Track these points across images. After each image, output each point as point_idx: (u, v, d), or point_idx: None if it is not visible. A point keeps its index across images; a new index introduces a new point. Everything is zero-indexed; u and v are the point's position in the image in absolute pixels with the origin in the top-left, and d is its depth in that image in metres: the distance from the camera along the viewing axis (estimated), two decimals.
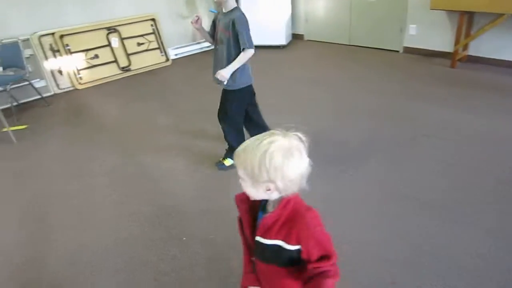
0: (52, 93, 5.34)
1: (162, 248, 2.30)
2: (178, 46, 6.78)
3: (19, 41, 4.74)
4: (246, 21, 2.73)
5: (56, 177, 3.25)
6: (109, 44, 5.80)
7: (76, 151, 3.65)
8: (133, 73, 5.99)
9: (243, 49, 2.72)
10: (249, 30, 2.73)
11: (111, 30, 5.82)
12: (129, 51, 6.02)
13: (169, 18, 6.58)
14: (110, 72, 5.82)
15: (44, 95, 5.05)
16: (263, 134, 1.08)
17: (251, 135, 2.30)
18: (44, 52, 5.23)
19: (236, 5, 2.78)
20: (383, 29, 6.16)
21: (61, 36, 5.32)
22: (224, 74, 2.73)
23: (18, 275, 2.22)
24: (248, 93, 2.97)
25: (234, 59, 2.76)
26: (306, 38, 7.35)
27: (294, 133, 1.08)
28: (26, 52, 4.88)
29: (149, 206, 2.73)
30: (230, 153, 3.08)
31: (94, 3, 5.72)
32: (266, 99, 4.44)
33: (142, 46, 6.17)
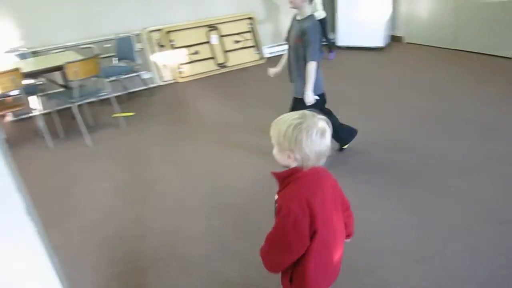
0: (156, 84, 5.80)
1: (255, 239, 2.36)
2: (273, 44, 6.89)
3: (132, 35, 5.21)
4: (318, 32, 2.70)
5: (155, 162, 3.52)
6: (209, 41, 6.11)
7: (173, 140, 3.92)
8: (228, 70, 6.24)
9: (308, 62, 2.71)
10: (319, 41, 2.69)
11: (212, 27, 6.12)
12: (227, 48, 6.28)
13: (266, 17, 6.72)
14: (208, 67, 6.13)
15: (150, 86, 5.52)
16: (297, 112, 1.25)
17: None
18: (151, 46, 5.69)
19: (311, 13, 2.74)
20: (495, 32, 5.56)
21: (168, 32, 5.73)
22: (310, 98, 2.76)
23: (121, 246, 2.45)
24: (317, 101, 2.92)
25: (302, 67, 2.76)
26: (405, 40, 6.98)
27: (323, 117, 1.23)
28: (137, 46, 5.35)
29: (240, 198, 2.82)
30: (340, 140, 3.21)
31: (198, 2, 6.06)
32: (361, 104, 4.36)
33: (238, 43, 6.39)
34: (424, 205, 2.55)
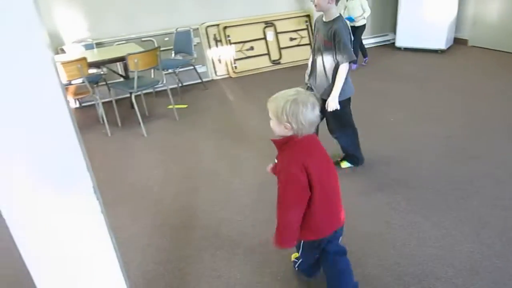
0: (210, 78, 5.91)
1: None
2: None
3: (191, 30, 5.34)
4: (349, 33, 2.58)
5: (205, 154, 3.59)
6: (265, 37, 6.13)
7: (224, 134, 3.97)
8: (281, 67, 6.22)
9: (341, 64, 2.59)
10: (350, 42, 2.57)
11: (268, 24, 6.13)
12: (282, 45, 6.26)
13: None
14: (262, 64, 6.15)
15: (204, 79, 5.63)
16: (292, 89, 1.53)
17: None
18: (208, 41, 5.80)
19: (339, 14, 2.61)
20: None
21: (224, 28, 5.82)
22: (333, 104, 2.64)
23: (169, 234, 2.53)
24: (349, 101, 2.83)
25: (333, 71, 2.66)
26: (470, 43, 6.60)
27: (313, 92, 1.58)
28: (194, 40, 5.48)
29: None
30: (350, 159, 3.10)
31: None
32: (414, 107, 4.18)
33: (294, 41, 6.35)
34: (482, 218, 2.40)
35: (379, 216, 2.50)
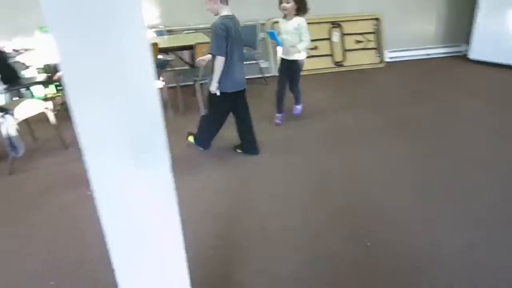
0: (271, 74, 5.93)
1: (360, 240, 2.30)
2: (397, 49, 6.56)
3: (258, 24, 5.38)
4: (223, 30, 2.89)
5: (261, 146, 3.61)
6: (330, 38, 6.04)
7: (280, 128, 3.97)
8: (344, 69, 6.11)
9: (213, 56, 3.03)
10: (218, 38, 2.91)
11: (335, 24, 6.04)
12: (346, 47, 6.14)
13: (394, 20, 6.39)
14: (324, 64, 6.08)
15: (265, 75, 5.66)
16: None
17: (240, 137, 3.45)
18: None
19: (225, 14, 2.98)
20: None
21: None
22: (211, 88, 3.13)
23: (218, 222, 2.57)
24: (227, 96, 3.15)
25: (213, 62, 3.06)
26: None
27: None
28: (260, 35, 5.52)
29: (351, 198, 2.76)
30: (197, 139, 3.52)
31: None
32: (482, 122, 3.91)
33: (359, 44, 6.21)
34: None
35: None
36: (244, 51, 5.44)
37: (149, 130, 0.87)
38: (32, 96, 4.91)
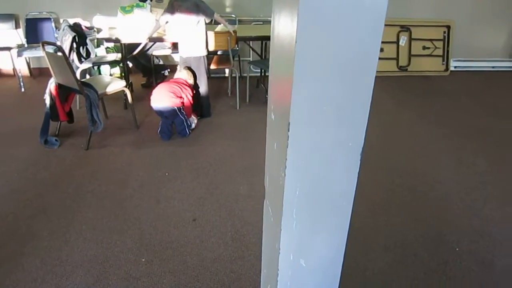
0: None
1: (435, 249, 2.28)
2: (461, 58, 6.35)
3: None
4: None
5: None
6: (397, 42, 5.93)
7: None
8: (408, 74, 5.99)
9: None
10: None
11: (404, 28, 5.92)
12: (412, 52, 6.01)
13: (465, 28, 6.18)
14: (388, 67, 5.97)
15: None
16: None
17: None
18: None
19: None
20: None
21: None
22: None
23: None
24: None
25: None
26: None
27: None
28: None
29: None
30: None
31: (396, 1, 5.89)
32: None
33: (426, 50, 6.06)
34: None
35: None
36: None
37: (352, 114, 0.88)
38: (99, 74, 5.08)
